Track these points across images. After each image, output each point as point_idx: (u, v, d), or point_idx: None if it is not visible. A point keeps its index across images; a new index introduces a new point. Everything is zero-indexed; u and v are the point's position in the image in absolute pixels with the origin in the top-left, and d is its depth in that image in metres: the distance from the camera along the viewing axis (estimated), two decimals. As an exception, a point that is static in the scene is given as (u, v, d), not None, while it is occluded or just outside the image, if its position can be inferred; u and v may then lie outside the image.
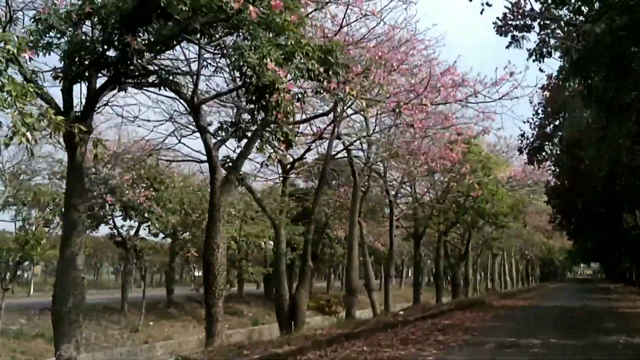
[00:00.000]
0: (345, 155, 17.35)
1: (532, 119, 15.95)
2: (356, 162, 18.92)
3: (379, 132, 15.88)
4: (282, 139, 7.28)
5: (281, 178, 16.33)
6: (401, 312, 16.30)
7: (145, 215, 23.54)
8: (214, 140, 10.79)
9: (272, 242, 30.92)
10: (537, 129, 15.87)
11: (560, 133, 15.46)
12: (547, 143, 16.26)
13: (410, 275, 71.77)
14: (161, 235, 26.12)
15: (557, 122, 15.43)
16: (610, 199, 19.19)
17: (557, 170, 18.59)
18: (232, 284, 32.09)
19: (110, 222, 24.58)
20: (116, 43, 7.28)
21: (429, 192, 24.18)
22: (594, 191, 18.12)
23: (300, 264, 14.87)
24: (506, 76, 10.51)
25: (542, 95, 15.17)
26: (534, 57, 10.37)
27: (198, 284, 33.57)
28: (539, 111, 15.70)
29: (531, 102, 16.01)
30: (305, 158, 16.76)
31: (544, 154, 16.52)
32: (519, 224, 32.22)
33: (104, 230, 24.52)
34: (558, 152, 16.72)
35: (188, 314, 29.56)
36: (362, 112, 14.64)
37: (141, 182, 22.91)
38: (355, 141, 15.83)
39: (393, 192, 21.15)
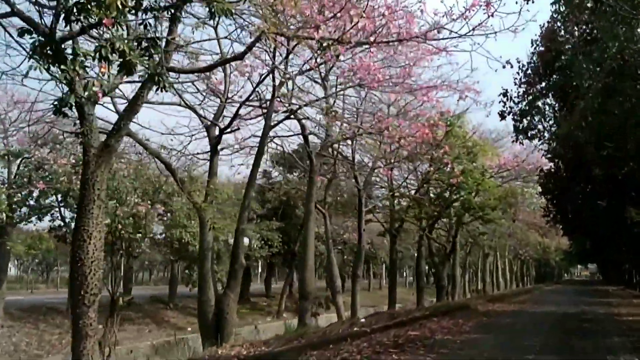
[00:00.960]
0: (300, 132, 14.57)
1: (518, 73, 13.06)
2: (318, 143, 16.30)
3: (334, 96, 13.09)
4: (105, 56, 4.54)
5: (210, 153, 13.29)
6: (362, 320, 13.55)
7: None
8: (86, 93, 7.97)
9: (247, 239, 28.47)
10: (524, 87, 12.98)
11: (554, 92, 12.55)
12: (537, 109, 13.29)
13: (404, 275, 69.54)
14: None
15: (550, 80, 12.58)
16: (613, 188, 16.50)
17: (551, 147, 15.63)
18: (195, 284, 29.68)
19: (54, 213, 22.22)
20: None
21: (406, 181, 21.33)
22: (594, 179, 15.39)
23: (230, 262, 12.00)
24: (479, 2, 7.68)
25: (532, 52, 12.36)
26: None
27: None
28: (529, 71, 12.87)
29: (519, 61, 13.15)
30: (238, 129, 13.82)
31: (534, 129, 13.61)
32: (509, 220, 29.58)
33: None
34: (552, 112, 13.71)
35: (147, 317, 27.38)
36: (311, 72, 11.86)
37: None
38: (304, 106, 12.91)
39: (363, 180, 18.31)
